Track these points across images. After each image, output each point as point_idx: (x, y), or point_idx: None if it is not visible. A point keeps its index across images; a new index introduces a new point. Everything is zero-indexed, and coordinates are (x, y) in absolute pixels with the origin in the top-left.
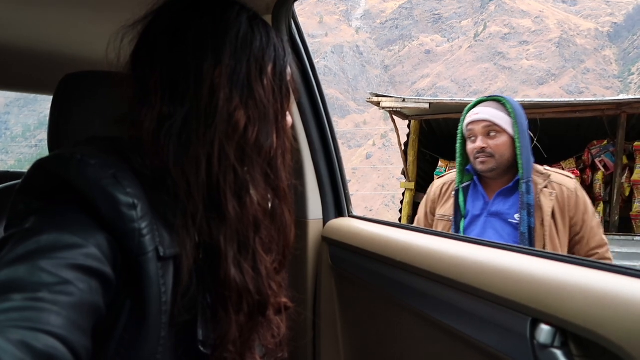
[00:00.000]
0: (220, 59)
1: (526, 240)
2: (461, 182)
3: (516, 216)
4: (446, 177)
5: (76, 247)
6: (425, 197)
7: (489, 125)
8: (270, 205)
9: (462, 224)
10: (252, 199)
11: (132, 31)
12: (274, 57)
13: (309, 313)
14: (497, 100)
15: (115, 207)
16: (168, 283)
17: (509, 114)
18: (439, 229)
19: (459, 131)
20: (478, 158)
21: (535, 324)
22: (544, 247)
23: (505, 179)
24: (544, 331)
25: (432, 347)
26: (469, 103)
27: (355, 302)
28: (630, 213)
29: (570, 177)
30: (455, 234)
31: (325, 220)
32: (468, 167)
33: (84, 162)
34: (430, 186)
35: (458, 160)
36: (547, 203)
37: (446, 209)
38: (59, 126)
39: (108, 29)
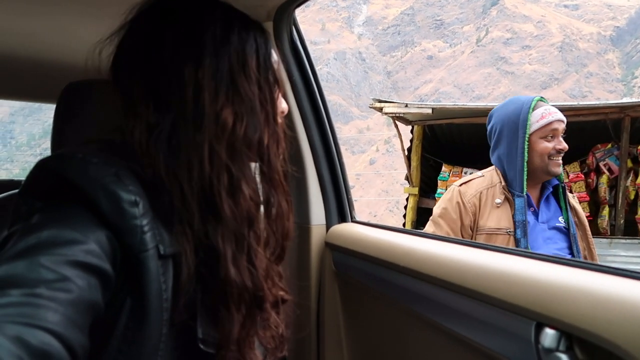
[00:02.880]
0: (200, 60)
1: (576, 242)
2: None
3: (560, 219)
4: (475, 182)
5: (76, 243)
6: (452, 211)
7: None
8: (265, 196)
9: (525, 237)
10: (244, 195)
11: (113, 40)
12: (255, 48)
13: (312, 319)
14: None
15: (118, 204)
16: (168, 281)
17: None
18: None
19: (527, 131)
20: (555, 159)
21: (539, 328)
22: (588, 245)
23: (541, 184)
24: (549, 335)
25: (436, 352)
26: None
27: (359, 307)
28: (636, 216)
29: None
30: (457, 238)
31: (328, 225)
32: None
33: (86, 161)
34: (461, 196)
35: (525, 163)
36: (577, 205)
37: (497, 220)
38: (62, 135)
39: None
